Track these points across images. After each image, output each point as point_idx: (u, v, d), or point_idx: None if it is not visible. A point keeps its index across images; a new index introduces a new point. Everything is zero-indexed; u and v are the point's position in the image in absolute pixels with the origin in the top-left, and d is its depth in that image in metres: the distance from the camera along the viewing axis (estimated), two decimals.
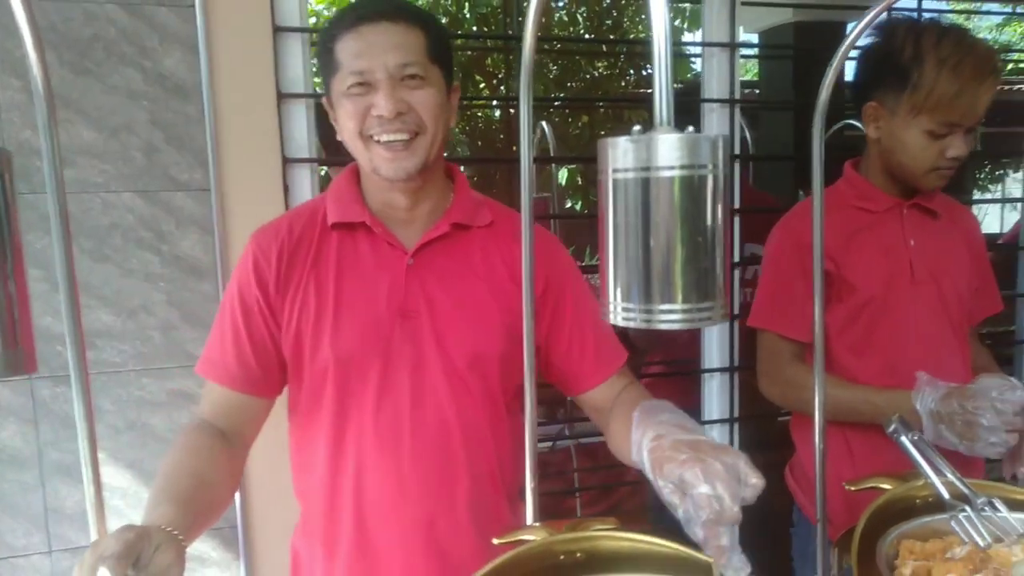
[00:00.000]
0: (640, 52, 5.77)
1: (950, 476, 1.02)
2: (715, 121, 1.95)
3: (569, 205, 6.78)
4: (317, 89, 1.65)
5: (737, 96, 1.94)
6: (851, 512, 1.02)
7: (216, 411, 1.09)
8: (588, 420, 1.25)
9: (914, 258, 1.41)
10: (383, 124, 1.02)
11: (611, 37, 6.48)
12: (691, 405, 2.02)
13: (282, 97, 1.57)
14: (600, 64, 6.70)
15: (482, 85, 6.14)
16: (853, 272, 1.40)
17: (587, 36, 6.41)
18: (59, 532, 1.52)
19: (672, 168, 0.56)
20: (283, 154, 1.57)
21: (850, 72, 1.42)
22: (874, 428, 1.24)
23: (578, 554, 0.85)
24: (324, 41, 1.06)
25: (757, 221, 1.93)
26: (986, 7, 7.24)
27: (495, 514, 1.15)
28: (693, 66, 5.11)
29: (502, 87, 5.82)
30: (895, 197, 1.43)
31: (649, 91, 0.58)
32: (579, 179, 6.77)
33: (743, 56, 2.06)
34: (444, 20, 5.39)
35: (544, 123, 3.55)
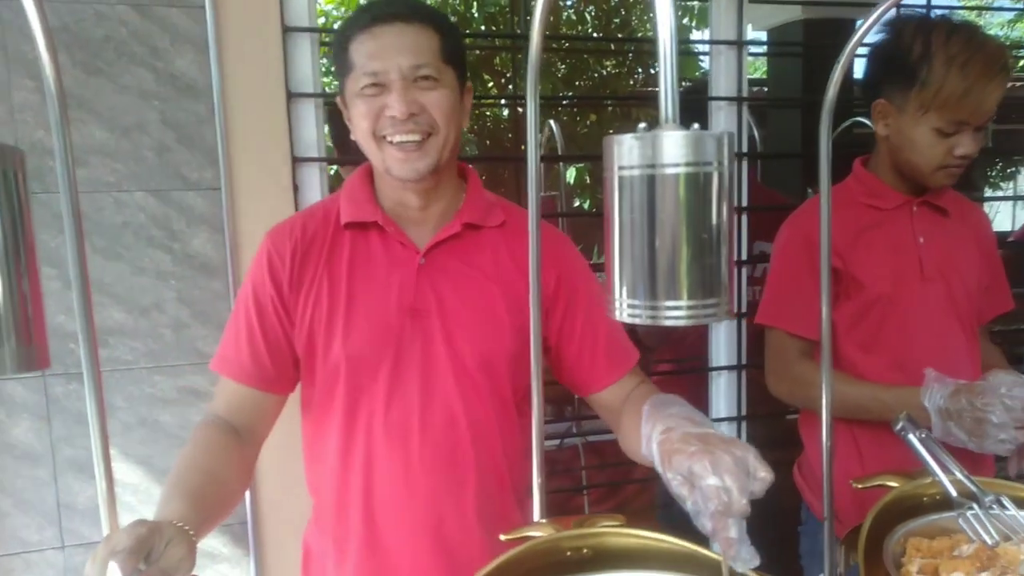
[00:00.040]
0: (648, 50, 5.76)
1: (958, 474, 1.02)
2: (723, 119, 1.95)
3: (577, 204, 6.77)
4: (326, 89, 1.65)
5: (745, 94, 1.94)
6: (859, 510, 1.01)
7: (230, 407, 1.10)
8: (596, 418, 1.24)
9: (923, 255, 1.40)
10: (396, 125, 1.03)
11: (619, 35, 6.46)
12: (699, 403, 2.02)
13: (291, 96, 1.57)
14: (608, 63, 6.68)
15: (490, 84, 6.14)
16: (861, 269, 1.39)
17: (595, 35, 6.40)
18: (72, 527, 1.53)
19: (677, 165, 0.56)
20: (292, 153, 1.58)
21: (859, 69, 1.42)
22: (882, 426, 1.23)
23: (585, 550, 0.85)
24: (339, 41, 1.06)
25: (766, 219, 1.92)
26: (997, 3, 7.19)
27: (503, 513, 1.15)
28: (701, 64, 5.11)
29: (510, 86, 5.81)
30: (905, 194, 1.42)
31: (656, 89, 0.58)
32: (587, 178, 6.77)
33: (751, 54, 2.05)
34: (452, 19, 5.39)
35: (552, 122, 3.55)
